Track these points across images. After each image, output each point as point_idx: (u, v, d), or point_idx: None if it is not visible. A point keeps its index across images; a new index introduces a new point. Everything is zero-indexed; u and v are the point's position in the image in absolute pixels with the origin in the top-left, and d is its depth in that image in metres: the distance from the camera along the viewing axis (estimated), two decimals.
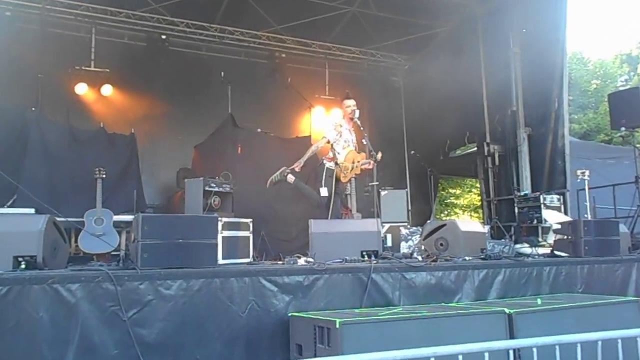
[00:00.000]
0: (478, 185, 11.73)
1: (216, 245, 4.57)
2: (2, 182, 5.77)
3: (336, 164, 6.42)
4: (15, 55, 8.52)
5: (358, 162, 6.57)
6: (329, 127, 6.60)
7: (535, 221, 8.36)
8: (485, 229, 7.50)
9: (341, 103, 6.74)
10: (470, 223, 7.27)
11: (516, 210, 8.89)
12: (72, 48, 9.51)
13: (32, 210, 6.52)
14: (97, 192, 7.13)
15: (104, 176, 7.25)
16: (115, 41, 10.03)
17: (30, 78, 8.84)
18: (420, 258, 5.34)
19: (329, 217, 6.21)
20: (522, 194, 8.96)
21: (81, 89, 9.31)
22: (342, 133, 6.51)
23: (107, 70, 9.42)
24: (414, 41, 11.31)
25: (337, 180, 6.44)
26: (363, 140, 6.50)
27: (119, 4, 9.66)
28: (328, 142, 6.49)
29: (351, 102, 6.57)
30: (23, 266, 4.01)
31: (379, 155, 6.34)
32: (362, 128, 6.49)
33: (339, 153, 6.48)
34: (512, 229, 8.71)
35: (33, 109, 8.49)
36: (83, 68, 9.32)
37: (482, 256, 5.52)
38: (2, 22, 8.84)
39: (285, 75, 10.44)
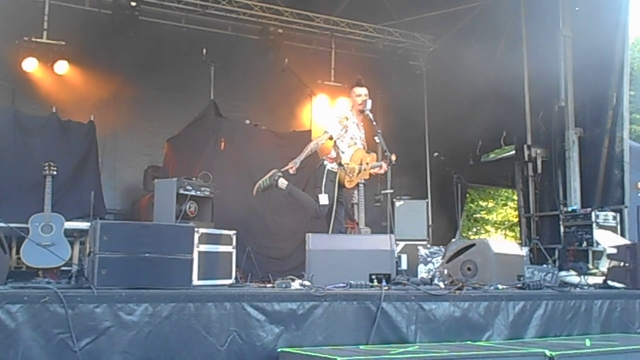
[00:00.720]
0: (515, 197, 11.75)
1: (191, 261, 4.56)
2: None
3: (339, 165, 6.41)
4: None
5: (367, 164, 6.55)
6: (333, 120, 6.61)
7: (585, 244, 8.35)
8: (524, 251, 7.51)
9: (350, 91, 6.73)
10: (505, 244, 7.27)
11: (562, 229, 8.89)
12: (20, 15, 9.47)
13: None
14: (46, 193, 7.13)
15: (54, 173, 7.25)
16: (74, 7, 10.02)
17: None
18: (442, 285, 5.33)
19: (330, 231, 6.21)
20: (570, 209, 8.96)
21: (30, 64, 9.30)
22: (348, 128, 6.50)
23: (63, 42, 9.39)
24: (441, 18, 11.33)
25: (341, 185, 6.45)
26: (375, 138, 6.51)
27: None
28: (330, 138, 6.49)
29: (362, 91, 6.57)
30: None
31: (394, 157, 6.34)
32: (374, 123, 6.50)
33: (343, 152, 6.48)
34: (557, 252, 8.70)
35: None
36: (33, 39, 9.28)
37: (518, 285, 5.52)
38: None
39: (281, 56, 10.46)
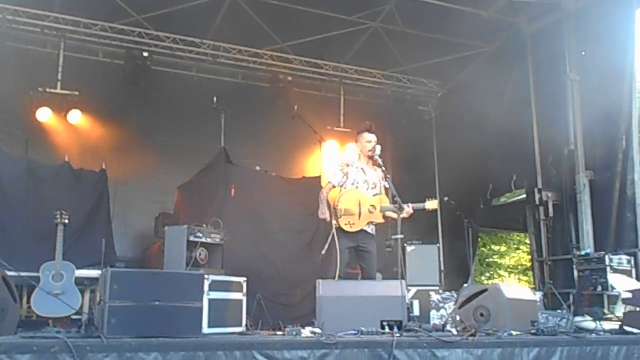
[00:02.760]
0: (527, 241, 11.65)
1: (201, 309, 4.57)
2: None
3: (334, 209, 6.30)
4: None
5: (372, 206, 6.41)
6: (334, 169, 6.63)
7: (599, 288, 8.22)
8: (537, 296, 7.42)
9: (359, 136, 6.69)
10: (518, 289, 7.20)
11: (575, 273, 8.78)
12: (35, 66, 9.76)
13: None
14: (57, 241, 7.19)
15: (66, 221, 7.32)
16: (88, 59, 10.30)
17: None
18: (454, 331, 5.27)
19: (335, 277, 6.10)
20: (583, 253, 8.86)
21: (44, 114, 9.50)
22: (349, 174, 6.49)
23: (76, 92, 9.62)
24: (448, 64, 11.47)
25: (343, 232, 6.29)
26: (385, 183, 6.52)
27: (93, 14, 9.96)
28: (334, 186, 6.49)
29: (372, 137, 6.58)
30: None
31: (408, 208, 6.30)
32: (383, 168, 6.51)
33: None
34: (571, 297, 8.58)
35: None
36: (47, 90, 9.54)
37: (533, 330, 5.44)
38: None
39: (291, 103, 10.57)
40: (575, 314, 7.36)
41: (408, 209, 6.35)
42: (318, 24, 10.32)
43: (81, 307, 7.13)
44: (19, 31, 9.72)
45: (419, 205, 6.48)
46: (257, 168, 9.79)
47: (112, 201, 9.21)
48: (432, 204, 6.54)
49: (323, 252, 6.21)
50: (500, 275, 19.01)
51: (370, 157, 6.58)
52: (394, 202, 6.36)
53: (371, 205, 6.43)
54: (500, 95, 10.64)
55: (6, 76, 9.06)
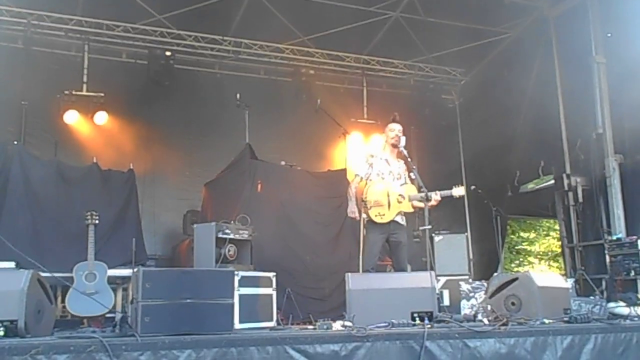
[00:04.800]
0: (557, 227, 11.53)
1: (232, 305, 4.60)
2: None
3: (363, 202, 6.32)
4: None
5: (401, 195, 6.39)
6: (360, 161, 6.64)
7: (633, 273, 8.15)
8: (569, 283, 7.35)
9: (384, 127, 6.75)
10: (549, 276, 7.14)
11: (607, 259, 8.68)
12: (61, 69, 9.93)
13: (12, 264, 6.70)
14: (89, 242, 7.30)
15: (97, 222, 7.42)
16: (112, 60, 10.43)
17: (12, 106, 9.23)
18: (486, 321, 5.24)
19: (361, 270, 6.11)
20: (615, 238, 8.77)
21: (71, 117, 9.65)
22: (373, 165, 6.49)
23: (102, 94, 9.76)
24: (471, 51, 11.39)
25: (374, 224, 6.33)
26: (411, 174, 6.50)
27: (115, 15, 10.09)
28: (361, 179, 6.49)
29: (396, 127, 6.59)
30: (2, 333, 4.10)
31: (436, 196, 6.27)
32: (409, 160, 6.49)
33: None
34: (604, 282, 8.50)
35: (15, 142, 8.80)
36: (73, 92, 9.69)
37: (565, 318, 5.39)
38: None
39: (313, 96, 10.56)
40: (608, 300, 7.27)
41: (436, 196, 6.34)
42: (338, 16, 10.28)
43: (114, 305, 7.24)
44: (44, 35, 9.87)
45: (446, 193, 6.45)
46: (283, 163, 9.78)
47: (140, 199, 9.31)
48: (459, 191, 6.51)
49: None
50: (530, 263, 18.85)
51: (395, 147, 6.57)
52: (420, 191, 6.34)
53: (400, 195, 6.42)
54: (525, 81, 10.51)
55: (33, 81, 9.25)
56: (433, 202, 6.32)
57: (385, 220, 6.34)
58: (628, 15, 9.02)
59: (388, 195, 6.37)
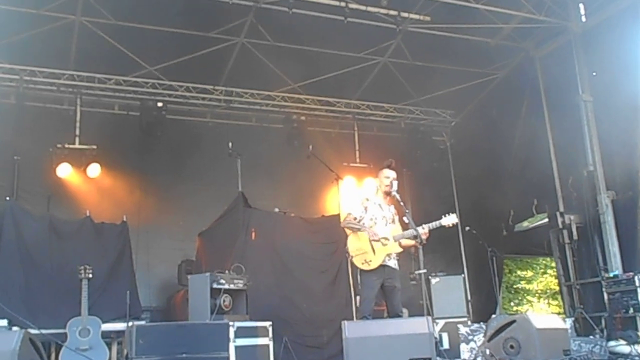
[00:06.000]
0: (554, 264, 11.49)
1: (227, 359, 4.54)
2: None
3: (347, 253, 6.28)
4: None
5: (384, 238, 6.25)
6: (355, 202, 6.62)
7: (631, 310, 8.08)
8: (567, 323, 7.31)
9: (379, 172, 6.68)
10: (547, 317, 7.08)
11: (605, 296, 8.63)
12: (53, 123, 9.99)
13: (5, 322, 6.62)
14: (82, 296, 7.23)
15: (90, 276, 7.36)
16: (104, 112, 10.53)
17: (5, 160, 9.27)
18: None
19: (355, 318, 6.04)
20: (612, 275, 8.73)
21: (64, 170, 9.67)
22: (368, 209, 6.46)
23: (94, 147, 9.80)
24: (460, 93, 11.53)
25: (365, 271, 6.20)
26: (404, 219, 6.48)
27: (107, 69, 10.20)
28: (355, 218, 6.46)
29: (391, 174, 6.54)
30: None
31: (425, 236, 6.19)
32: (402, 203, 6.48)
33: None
34: (603, 320, 8.42)
35: (7, 198, 8.77)
36: (66, 146, 9.73)
37: None
38: None
39: (305, 142, 10.62)
40: (608, 339, 7.23)
41: (423, 230, 6.22)
42: (328, 63, 10.47)
43: None
44: (36, 90, 9.96)
45: (434, 224, 6.27)
46: (276, 210, 9.79)
47: (134, 251, 9.23)
48: (450, 219, 6.26)
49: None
50: (529, 301, 18.68)
51: (388, 194, 6.57)
52: (414, 237, 6.26)
53: (383, 238, 6.34)
54: (515, 120, 10.64)
55: (26, 135, 9.30)
56: (423, 237, 6.23)
57: (373, 266, 6.20)
58: (612, 54, 9.20)
59: (370, 241, 6.23)
